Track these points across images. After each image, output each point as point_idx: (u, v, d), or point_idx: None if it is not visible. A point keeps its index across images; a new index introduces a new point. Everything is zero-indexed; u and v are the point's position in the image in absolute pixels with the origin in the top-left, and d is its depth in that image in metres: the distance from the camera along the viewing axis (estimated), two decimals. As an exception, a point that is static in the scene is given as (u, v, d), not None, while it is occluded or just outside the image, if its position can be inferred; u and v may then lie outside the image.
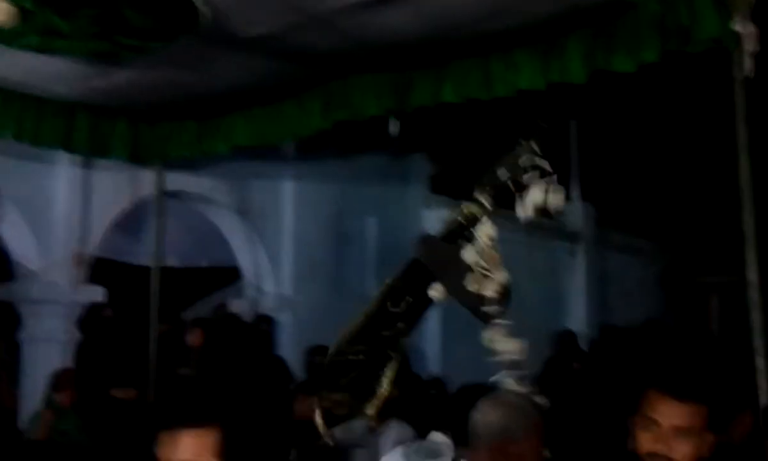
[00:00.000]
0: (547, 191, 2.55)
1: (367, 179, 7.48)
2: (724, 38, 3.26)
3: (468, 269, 2.56)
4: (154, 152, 5.14)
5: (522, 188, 2.57)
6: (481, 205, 2.58)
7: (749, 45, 3.26)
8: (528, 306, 8.92)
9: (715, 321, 10.44)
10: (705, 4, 3.13)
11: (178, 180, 6.08)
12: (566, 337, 8.05)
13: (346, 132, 4.83)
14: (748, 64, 3.27)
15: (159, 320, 5.33)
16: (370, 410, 2.67)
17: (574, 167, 9.33)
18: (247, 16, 3.27)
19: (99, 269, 6.29)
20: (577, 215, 9.26)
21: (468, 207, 2.62)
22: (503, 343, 2.56)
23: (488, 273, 2.56)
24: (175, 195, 6.30)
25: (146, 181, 5.68)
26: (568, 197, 9.46)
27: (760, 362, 3.17)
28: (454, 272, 2.59)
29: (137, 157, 5.17)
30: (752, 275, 3.22)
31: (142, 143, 5.09)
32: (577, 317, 8.91)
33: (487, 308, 2.54)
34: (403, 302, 2.65)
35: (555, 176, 2.55)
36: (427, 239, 2.77)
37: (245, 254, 6.77)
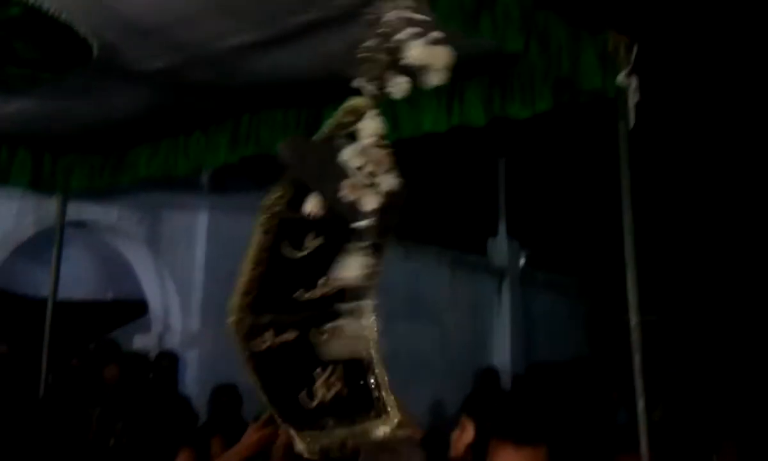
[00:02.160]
0: (428, 45, 2.26)
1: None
2: (609, 91, 3.56)
3: (345, 173, 2.19)
4: (57, 182, 5.21)
5: (398, 54, 2.24)
6: (366, 96, 2.25)
7: (632, 98, 3.57)
8: (452, 342, 9.18)
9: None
10: (588, 59, 3.41)
11: (84, 209, 6.10)
12: (488, 374, 8.28)
13: (263, 162, 4.98)
14: (631, 115, 3.58)
15: (59, 356, 5.31)
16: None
17: (501, 204, 9.65)
18: (139, 52, 3.41)
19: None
20: (503, 251, 9.55)
21: (351, 103, 2.29)
22: (352, 266, 2.20)
23: (371, 179, 2.20)
24: (81, 224, 6.31)
25: (51, 209, 5.70)
26: (495, 232, 9.78)
27: (640, 404, 3.41)
28: (330, 179, 2.20)
29: (39, 186, 5.22)
30: (633, 318, 3.48)
31: (44, 172, 5.15)
32: (502, 355, 9.17)
33: (360, 224, 2.17)
34: (306, 241, 2.23)
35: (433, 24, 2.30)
36: (294, 140, 2.44)
37: (153, 288, 6.79)
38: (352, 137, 2.23)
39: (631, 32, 3.59)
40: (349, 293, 2.27)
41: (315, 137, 2.33)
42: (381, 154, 2.23)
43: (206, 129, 4.57)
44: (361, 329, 2.31)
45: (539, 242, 10.05)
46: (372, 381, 2.28)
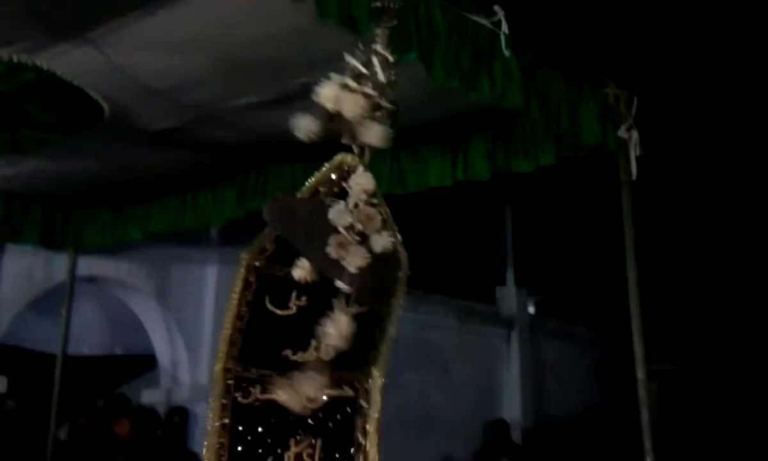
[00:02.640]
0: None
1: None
2: (611, 144, 3.62)
3: (333, 230, 2.13)
4: (68, 238, 5.30)
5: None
6: (356, 152, 2.22)
7: (634, 151, 3.63)
8: (461, 393, 9.10)
9: (654, 409, 10.73)
10: (588, 114, 3.48)
11: (95, 264, 6.18)
12: (498, 427, 8.19)
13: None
14: (633, 168, 3.63)
15: (69, 411, 5.33)
16: None
17: (508, 252, 9.66)
18: (148, 112, 3.51)
19: (5, 358, 6.27)
20: (512, 300, 9.52)
21: (338, 158, 2.26)
22: (336, 329, 2.14)
23: (361, 239, 2.13)
24: (91, 280, 6.38)
25: (62, 264, 5.77)
26: (503, 281, 9.76)
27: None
28: (318, 237, 2.13)
29: (51, 242, 5.31)
30: (640, 373, 3.47)
31: (56, 228, 5.25)
32: (512, 406, 9.07)
33: (341, 284, 2.11)
34: (290, 300, 2.18)
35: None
36: (280, 199, 2.32)
37: (162, 342, 6.83)
38: (342, 195, 2.20)
39: (631, 86, 3.67)
40: (352, 361, 2.23)
41: (299, 193, 2.29)
42: (371, 212, 2.18)
43: (214, 184, 4.65)
44: (362, 401, 2.31)
45: (548, 290, 10.03)
46: None
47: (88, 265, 5.89)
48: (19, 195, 4.91)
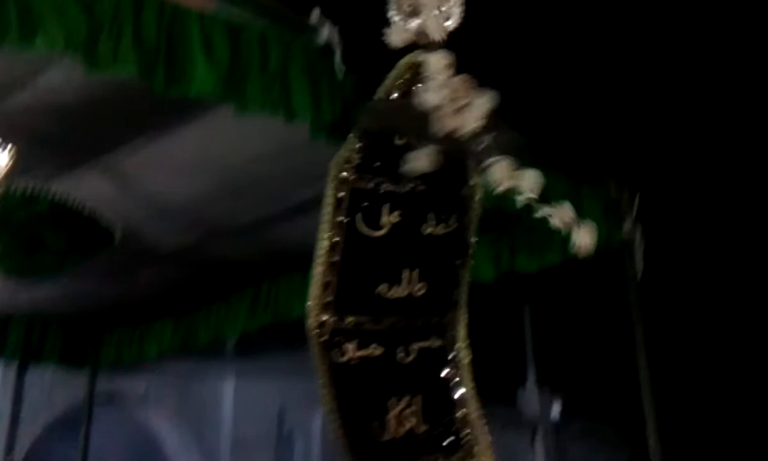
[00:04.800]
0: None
1: (313, 372, 7.59)
2: (614, 241, 3.63)
3: (434, 111, 2.15)
4: (86, 357, 5.34)
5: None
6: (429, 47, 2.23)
7: (639, 247, 3.64)
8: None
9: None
10: (591, 212, 3.50)
11: (113, 381, 6.18)
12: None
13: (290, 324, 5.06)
14: (639, 263, 3.63)
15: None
16: None
17: (528, 351, 9.51)
18: (159, 231, 3.60)
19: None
20: (535, 402, 9.30)
21: (405, 60, 2.27)
22: (517, 178, 2.21)
23: (462, 102, 2.15)
24: (110, 397, 6.37)
25: (81, 383, 5.79)
26: (524, 381, 9.56)
27: None
28: (424, 126, 2.14)
29: (69, 362, 5.35)
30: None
31: (74, 348, 5.31)
32: (541, 512, 8.76)
33: (478, 145, 2.17)
34: (381, 216, 2.19)
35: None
36: (372, 106, 2.25)
37: (180, 459, 6.75)
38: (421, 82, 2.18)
39: (632, 181, 3.71)
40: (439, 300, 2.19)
41: (375, 98, 2.28)
42: (459, 82, 2.19)
43: (227, 298, 4.70)
44: (451, 352, 2.27)
45: (572, 388, 9.80)
46: (459, 416, 2.19)
47: (106, 382, 5.90)
48: (37, 317, 4.99)
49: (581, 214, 3.55)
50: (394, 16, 2.30)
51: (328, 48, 2.52)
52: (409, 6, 2.29)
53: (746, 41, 3.82)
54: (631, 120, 4.11)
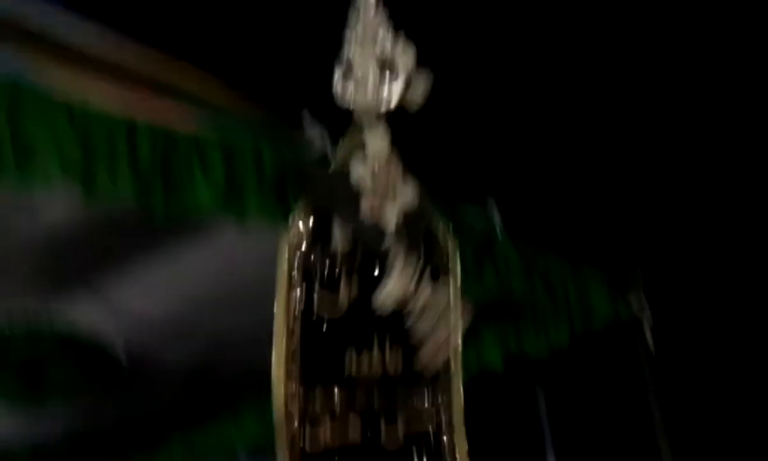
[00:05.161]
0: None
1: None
2: (623, 315, 3.61)
3: (359, 196, 2.15)
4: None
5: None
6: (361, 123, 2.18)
7: (647, 320, 3.62)
8: None
9: None
10: (596, 291, 3.51)
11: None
12: None
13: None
14: (649, 338, 3.60)
15: None
16: None
17: (546, 435, 9.29)
18: (162, 352, 3.56)
19: None
20: (558, 487, 9.04)
21: (349, 135, 2.26)
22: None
23: (388, 195, 2.16)
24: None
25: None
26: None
27: None
28: (348, 205, 2.16)
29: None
30: None
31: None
32: None
33: (384, 241, 2.13)
34: (342, 287, 2.13)
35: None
36: (308, 170, 2.26)
37: None
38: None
39: (634, 256, 3.72)
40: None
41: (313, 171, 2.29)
42: (388, 167, 2.19)
43: (236, 410, 4.61)
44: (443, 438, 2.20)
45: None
46: None
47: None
48: (42, 449, 4.89)
49: (587, 294, 3.57)
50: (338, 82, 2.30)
51: (321, 151, 2.56)
52: (354, 74, 2.29)
53: (745, 100, 3.89)
54: (626, 195, 4.13)
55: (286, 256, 2.20)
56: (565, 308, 3.51)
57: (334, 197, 2.21)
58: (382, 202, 2.18)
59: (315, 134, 2.57)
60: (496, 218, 3.16)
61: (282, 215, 2.41)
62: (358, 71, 2.23)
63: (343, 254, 2.21)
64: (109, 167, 2.19)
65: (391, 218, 2.16)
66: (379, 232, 2.16)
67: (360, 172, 2.18)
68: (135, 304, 3.21)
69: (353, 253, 2.23)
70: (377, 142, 2.20)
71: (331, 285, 2.21)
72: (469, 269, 3.17)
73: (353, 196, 2.16)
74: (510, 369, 4.09)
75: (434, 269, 2.32)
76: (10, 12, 2.23)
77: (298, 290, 2.18)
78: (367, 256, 2.22)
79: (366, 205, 2.16)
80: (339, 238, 2.18)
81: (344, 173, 2.19)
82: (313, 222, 2.22)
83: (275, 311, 2.19)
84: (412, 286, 2.19)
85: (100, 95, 2.26)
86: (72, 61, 2.28)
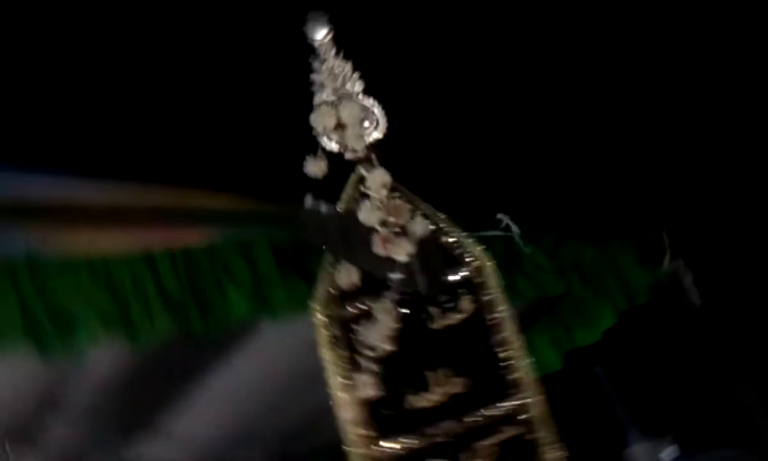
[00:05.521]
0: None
1: None
2: (662, 278, 3.61)
3: (371, 231, 2.20)
4: None
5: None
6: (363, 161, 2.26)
7: (686, 278, 3.62)
8: None
9: None
10: (628, 265, 3.51)
11: None
12: None
13: None
14: (694, 295, 3.60)
15: None
16: None
17: (620, 411, 9.18)
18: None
19: None
20: (647, 455, 8.88)
21: (354, 176, 2.30)
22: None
23: (399, 229, 2.20)
24: None
25: None
26: (626, 445, 9.15)
27: None
28: (358, 243, 2.20)
29: None
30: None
31: None
32: None
33: (395, 277, 2.16)
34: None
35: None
36: (306, 216, 2.26)
37: None
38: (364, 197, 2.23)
39: (661, 221, 3.69)
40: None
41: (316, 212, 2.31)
42: (397, 203, 2.23)
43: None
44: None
45: (679, 428, 9.32)
46: None
47: None
48: None
49: (620, 270, 3.57)
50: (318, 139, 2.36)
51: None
52: (331, 127, 2.35)
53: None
54: (645, 160, 4.07)
55: (322, 319, 2.24)
56: (605, 293, 3.52)
57: (345, 239, 2.24)
58: (393, 235, 2.22)
59: (318, 204, 2.59)
60: (515, 230, 3.18)
61: (309, 289, 2.42)
62: (333, 120, 2.31)
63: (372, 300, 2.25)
64: (143, 308, 2.25)
65: (405, 251, 2.18)
66: (392, 264, 2.19)
67: (366, 210, 2.23)
68: (195, 429, 3.23)
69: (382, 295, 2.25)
70: (377, 179, 2.25)
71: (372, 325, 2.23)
72: (504, 285, 3.18)
73: (364, 235, 2.20)
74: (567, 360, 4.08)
75: (470, 287, 2.35)
76: (14, 191, 2.30)
77: (345, 345, 2.23)
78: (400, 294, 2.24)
79: (377, 241, 2.19)
80: (347, 274, 2.22)
81: (352, 215, 2.23)
82: (339, 276, 2.27)
83: (330, 379, 2.22)
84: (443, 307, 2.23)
85: (116, 243, 2.32)
86: (81, 221, 2.35)
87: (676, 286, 3.56)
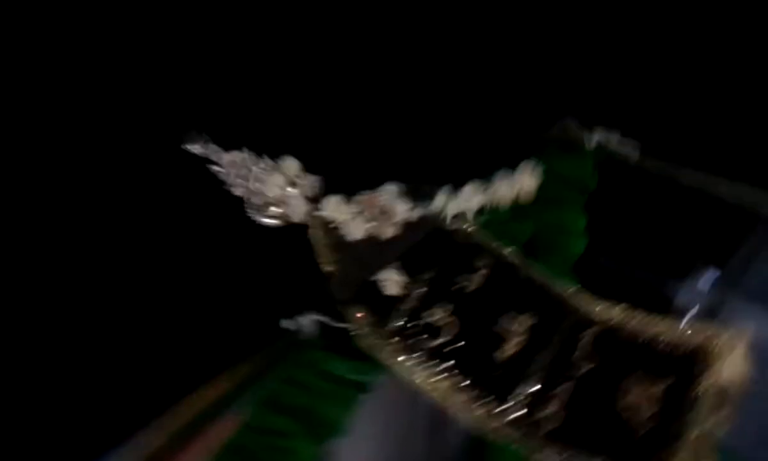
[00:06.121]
0: None
1: None
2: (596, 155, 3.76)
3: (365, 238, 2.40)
4: None
5: None
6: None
7: (613, 139, 3.77)
8: None
9: None
10: (566, 165, 3.63)
11: None
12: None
13: None
14: (630, 147, 3.75)
15: None
16: None
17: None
18: None
19: None
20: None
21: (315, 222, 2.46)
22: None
23: (376, 212, 2.42)
24: None
25: None
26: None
27: None
28: (368, 256, 2.40)
29: None
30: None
31: None
32: None
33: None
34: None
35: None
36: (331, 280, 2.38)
37: None
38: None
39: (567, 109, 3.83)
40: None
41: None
42: (363, 199, 2.44)
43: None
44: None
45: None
46: None
47: None
48: None
49: (559, 176, 3.68)
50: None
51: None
52: (266, 202, 2.53)
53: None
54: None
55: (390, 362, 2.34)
56: (565, 202, 3.64)
57: (358, 265, 2.39)
58: (379, 220, 2.42)
59: (303, 323, 2.69)
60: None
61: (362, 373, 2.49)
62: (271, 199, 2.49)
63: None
64: None
65: (390, 228, 2.39)
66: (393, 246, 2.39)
67: (351, 229, 2.40)
68: None
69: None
70: (331, 205, 2.45)
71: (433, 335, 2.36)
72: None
73: (364, 251, 2.38)
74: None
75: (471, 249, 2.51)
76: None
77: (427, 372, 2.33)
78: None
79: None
80: (391, 280, 2.35)
81: (345, 241, 2.38)
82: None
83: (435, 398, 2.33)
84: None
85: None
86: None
87: (610, 151, 3.72)
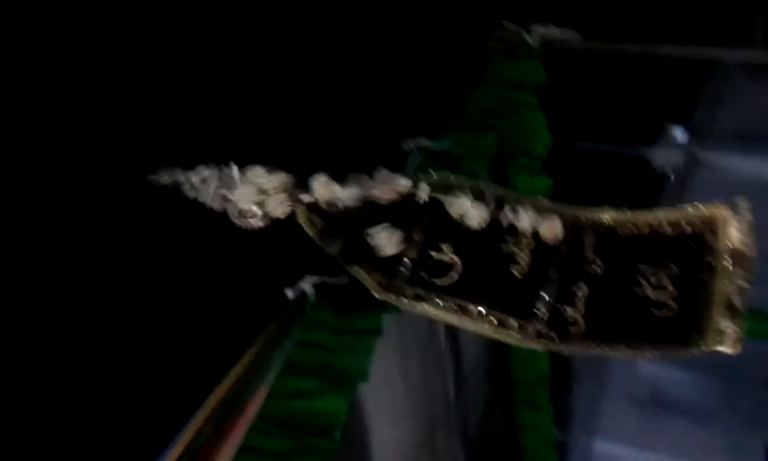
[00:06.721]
0: None
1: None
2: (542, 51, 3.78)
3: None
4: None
5: None
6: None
7: (553, 32, 3.78)
8: None
9: None
10: (513, 70, 3.66)
11: None
12: None
13: None
14: (571, 36, 3.73)
15: None
16: None
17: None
18: None
19: None
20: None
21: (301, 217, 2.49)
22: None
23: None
24: None
25: None
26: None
27: None
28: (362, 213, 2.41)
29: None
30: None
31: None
32: None
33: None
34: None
35: None
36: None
37: None
38: None
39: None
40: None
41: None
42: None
43: None
44: None
45: None
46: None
47: None
48: None
49: (508, 82, 3.68)
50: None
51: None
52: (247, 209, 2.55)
53: None
54: None
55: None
56: (520, 106, 3.66)
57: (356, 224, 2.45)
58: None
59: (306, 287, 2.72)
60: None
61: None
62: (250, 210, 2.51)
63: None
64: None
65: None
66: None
67: (346, 195, 2.48)
68: None
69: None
70: (318, 189, 2.49)
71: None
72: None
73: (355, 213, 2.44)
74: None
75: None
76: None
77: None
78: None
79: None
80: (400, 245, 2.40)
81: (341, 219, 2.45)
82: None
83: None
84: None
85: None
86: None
87: (553, 43, 3.74)
